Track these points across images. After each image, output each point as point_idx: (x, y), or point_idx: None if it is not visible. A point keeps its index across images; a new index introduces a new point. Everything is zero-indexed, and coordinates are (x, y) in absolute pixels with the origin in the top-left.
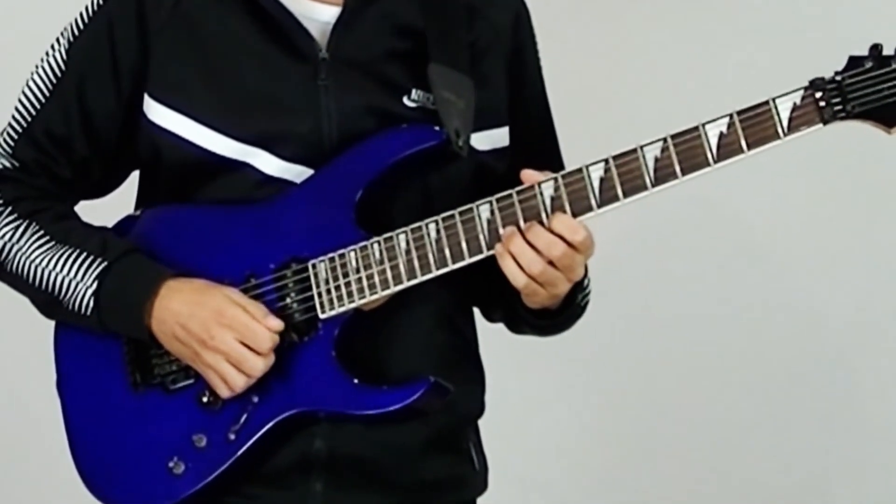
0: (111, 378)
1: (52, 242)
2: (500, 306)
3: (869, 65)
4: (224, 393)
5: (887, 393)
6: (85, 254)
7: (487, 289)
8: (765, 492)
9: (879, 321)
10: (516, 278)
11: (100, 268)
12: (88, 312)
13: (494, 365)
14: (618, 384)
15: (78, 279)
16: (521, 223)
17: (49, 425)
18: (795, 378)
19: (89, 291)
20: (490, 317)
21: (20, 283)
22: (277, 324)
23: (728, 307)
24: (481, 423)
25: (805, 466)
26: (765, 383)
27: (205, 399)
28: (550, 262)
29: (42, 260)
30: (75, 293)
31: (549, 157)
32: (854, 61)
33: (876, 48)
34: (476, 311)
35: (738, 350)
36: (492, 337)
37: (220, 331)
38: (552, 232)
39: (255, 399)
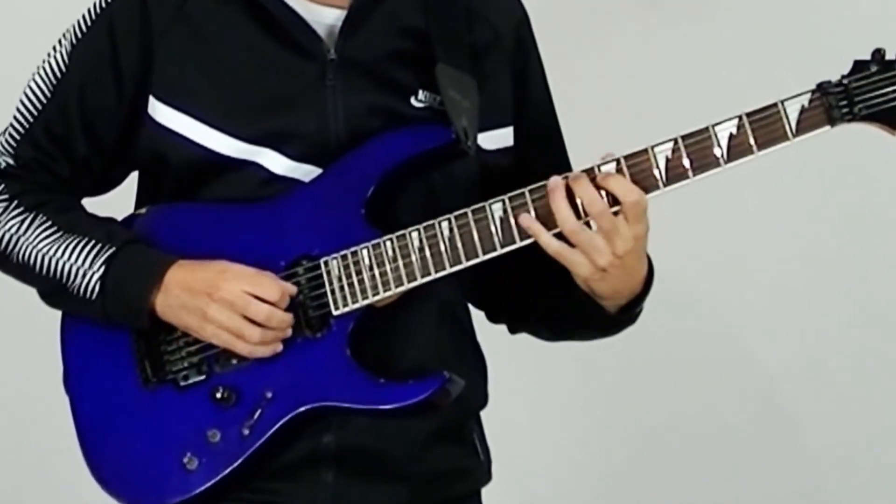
0: (121, 375)
1: (60, 232)
2: (550, 303)
3: (874, 69)
4: (243, 349)
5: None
6: (93, 242)
7: (537, 289)
8: (765, 492)
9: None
10: (549, 245)
11: (107, 253)
12: (93, 297)
13: (496, 357)
14: (619, 377)
15: (85, 266)
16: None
17: (54, 422)
18: (799, 381)
19: (96, 276)
20: (521, 324)
21: (25, 272)
22: (291, 287)
23: (733, 308)
24: (484, 415)
25: (800, 471)
26: (768, 385)
27: (218, 395)
28: (587, 224)
29: (49, 249)
30: (82, 279)
31: (556, 156)
32: (859, 65)
33: (879, 52)
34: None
35: (742, 350)
36: (493, 330)
37: (225, 283)
38: (606, 190)
39: (269, 395)
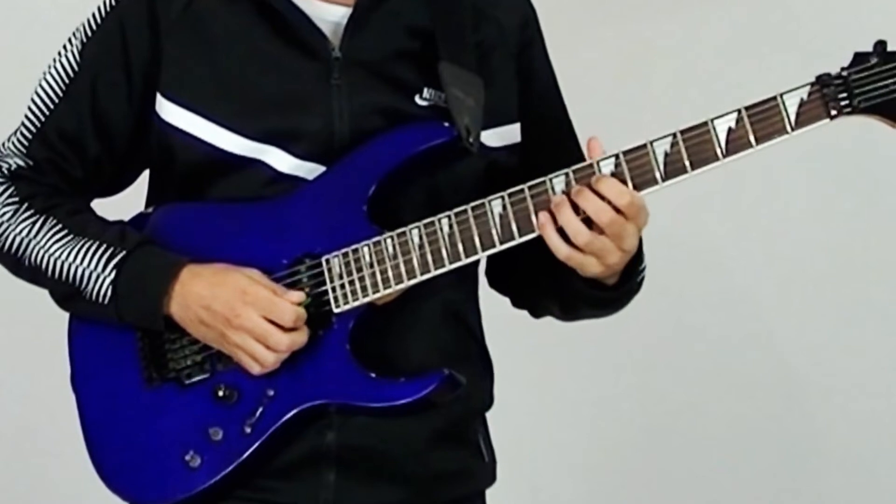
0: (126, 373)
1: (70, 235)
2: (555, 288)
3: (874, 61)
4: (255, 370)
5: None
6: (104, 245)
7: (542, 276)
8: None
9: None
10: (559, 250)
11: (118, 257)
12: (106, 301)
13: (503, 359)
14: (626, 379)
15: (98, 270)
16: (533, 216)
17: (62, 420)
18: (808, 382)
19: (107, 280)
20: (540, 309)
21: (39, 276)
22: (297, 295)
23: (737, 309)
24: (491, 416)
25: (812, 474)
26: (774, 387)
27: (220, 393)
28: (600, 231)
29: (61, 253)
30: (94, 283)
31: (567, 151)
32: (859, 57)
33: (881, 44)
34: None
35: (746, 352)
36: (500, 331)
37: (244, 309)
38: (599, 195)
39: (271, 392)
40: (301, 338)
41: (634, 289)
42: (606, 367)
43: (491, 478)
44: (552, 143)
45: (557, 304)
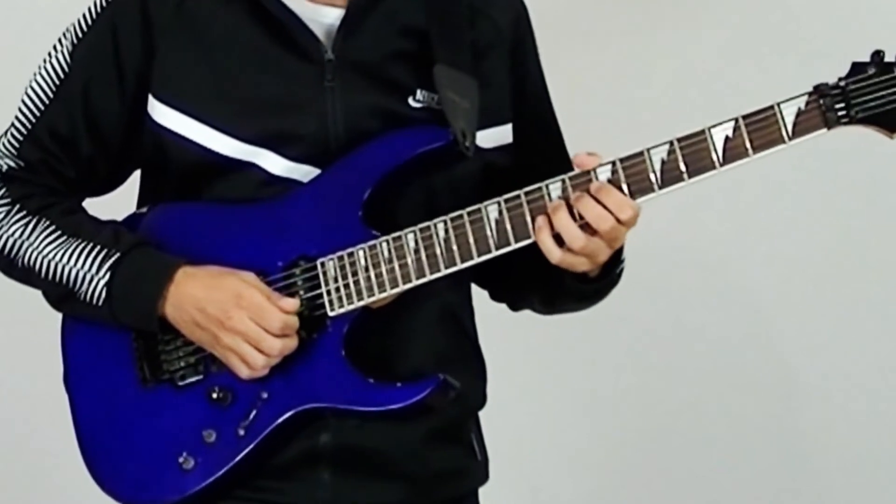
0: (120, 374)
1: (64, 237)
2: (540, 283)
3: (871, 71)
4: (244, 373)
5: None
6: (99, 247)
7: (527, 271)
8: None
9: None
10: (551, 253)
11: (112, 259)
12: (100, 303)
13: (496, 358)
14: (619, 379)
15: (92, 272)
16: (529, 222)
17: (54, 420)
18: (809, 382)
19: (102, 282)
20: (519, 302)
21: (32, 277)
22: (291, 304)
23: (737, 309)
24: (489, 416)
25: (812, 476)
26: (774, 387)
27: (214, 395)
28: (592, 233)
29: (54, 254)
30: (88, 285)
31: (555, 152)
32: (857, 67)
33: (878, 54)
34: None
35: (746, 352)
36: (494, 330)
37: (237, 312)
38: (601, 203)
39: (265, 395)
40: (291, 344)
41: (615, 280)
42: (606, 366)
43: (484, 476)
44: (544, 142)
45: (539, 297)
